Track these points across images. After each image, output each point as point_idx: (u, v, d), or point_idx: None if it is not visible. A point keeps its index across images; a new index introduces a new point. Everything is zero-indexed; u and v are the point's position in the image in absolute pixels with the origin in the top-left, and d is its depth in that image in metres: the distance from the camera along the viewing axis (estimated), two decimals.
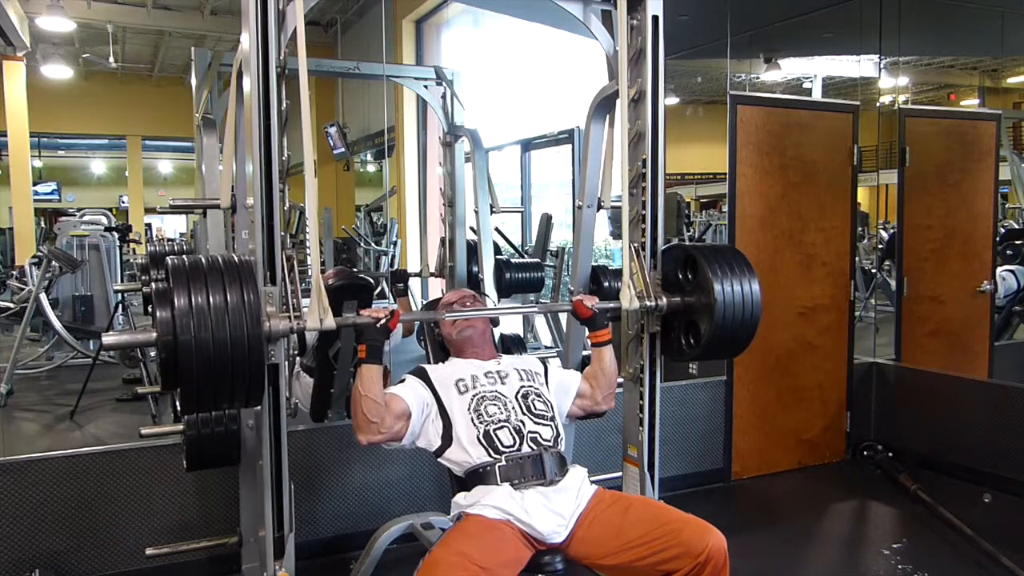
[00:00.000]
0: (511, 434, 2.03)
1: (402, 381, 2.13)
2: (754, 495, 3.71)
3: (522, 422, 2.06)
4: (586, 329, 2.23)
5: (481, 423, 2.03)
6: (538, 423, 2.08)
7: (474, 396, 2.08)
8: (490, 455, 1.99)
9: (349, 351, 3.21)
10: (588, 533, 1.92)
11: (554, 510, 1.92)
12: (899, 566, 2.84)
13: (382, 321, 1.88)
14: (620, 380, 2.35)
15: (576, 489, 1.99)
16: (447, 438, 2.05)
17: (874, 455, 3.91)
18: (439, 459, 2.08)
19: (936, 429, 3.85)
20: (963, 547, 2.95)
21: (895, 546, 3.02)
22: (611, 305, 2.16)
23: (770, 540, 3.18)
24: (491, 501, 1.91)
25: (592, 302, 2.14)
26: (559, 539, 1.91)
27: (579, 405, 2.26)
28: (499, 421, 2.04)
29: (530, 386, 2.17)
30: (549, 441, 2.06)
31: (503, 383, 2.14)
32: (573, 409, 2.26)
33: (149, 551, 2.45)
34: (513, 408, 2.08)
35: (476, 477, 1.99)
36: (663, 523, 1.85)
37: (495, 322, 2.48)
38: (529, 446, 2.02)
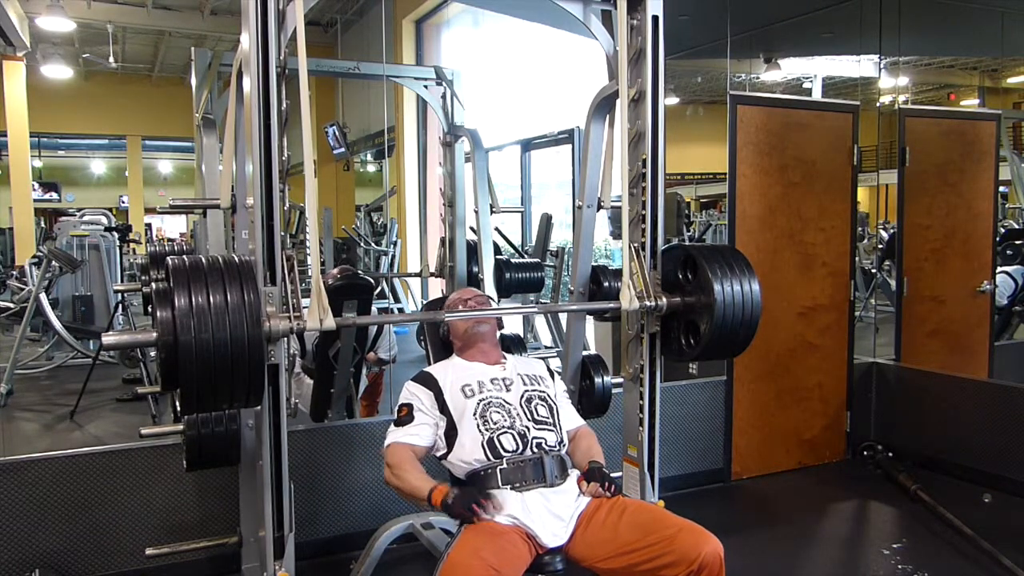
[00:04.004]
0: (515, 439, 2.03)
1: (408, 405, 2.11)
2: (754, 495, 3.71)
3: (527, 428, 2.07)
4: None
5: (486, 429, 2.04)
6: (541, 428, 2.09)
7: (480, 401, 2.09)
8: (491, 459, 2.00)
9: (349, 351, 3.22)
10: (586, 535, 1.92)
11: (554, 512, 1.93)
12: (899, 566, 2.84)
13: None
14: (620, 380, 2.35)
15: (575, 492, 2.00)
16: (451, 441, 2.06)
17: (874, 455, 3.91)
18: (443, 462, 2.09)
19: (936, 429, 3.85)
20: (963, 547, 2.95)
21: (895, 546, 3.02)
22: (611, 305, 2.16)
23: (770, 540, 3.18)
24: (497, 506, 1.92)
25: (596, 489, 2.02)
26: (559, 542, 1.91)
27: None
28: (503, 428, 2.04)
29: (534, 390, 2.18)
30: (553, 446, 2.08)
31: (508, 390, 2.15)
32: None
33: (149, 551, 2.45)
34: (517, 415, 2.09)
35: (477, 479, 2.00)
36: (658, 529, 1.84)
37: (500, 324, 2.47)
38: (532, 450, 2.03)
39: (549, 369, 2.34)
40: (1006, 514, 3.31)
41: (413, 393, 2.14)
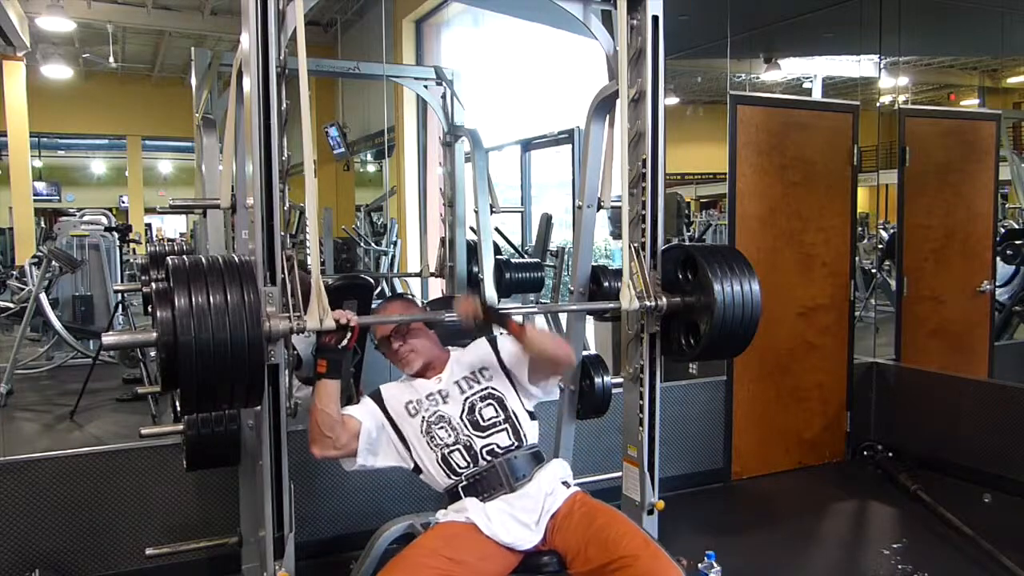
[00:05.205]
0: (463, 455, 2.01)
1: (358, 402, 2.12)
2: (754, 495, 3.71)
3: (470, 439, 2.02)
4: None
5: (435, 448, 2.03)
6: (489, 435, 2.03)
7: (423, 420, 2.06)
8: (451, 477, 2.00)
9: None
10: (559, 535, 1.91)
11: (517, 518, 1.91)
12: (899, 566, 2.84)
13: (343, 343, 1.85)
14: (620, 380, 2.35)
15: (542, 492, 1.96)
16: (415, 460, 2.06)
17: (874, 455, 3.91)
18: (420, 478, 2.09)
19: (936, 429, 3.85)
20: (963, 547, 2.95)
21: (895, 546, 3.02)
22: (611, 305, 2.16)
23: (770, 540, 3.18)
24: (461, 510, 1.93)
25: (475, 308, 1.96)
26: (526, 546, 1.90)
27: (536, 371, 2.11)
28: (449, 445, 2.02)
29: (474, 392, 2.11)
30: (508, 446, 2.02)
31: (445, 403, 2.09)
32: (535, 378, 2.13)
33: (149, 551, 2.45)
34: (459, 426, 2.04)
35: (450, 496, 2.02)
36: (616, 555, 1.78)
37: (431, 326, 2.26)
38: (485, 459, 2.00)
39: (492, 340, 2.21)
40: (1006, 514, 3.31)
41: (361, 403, 2.12)
